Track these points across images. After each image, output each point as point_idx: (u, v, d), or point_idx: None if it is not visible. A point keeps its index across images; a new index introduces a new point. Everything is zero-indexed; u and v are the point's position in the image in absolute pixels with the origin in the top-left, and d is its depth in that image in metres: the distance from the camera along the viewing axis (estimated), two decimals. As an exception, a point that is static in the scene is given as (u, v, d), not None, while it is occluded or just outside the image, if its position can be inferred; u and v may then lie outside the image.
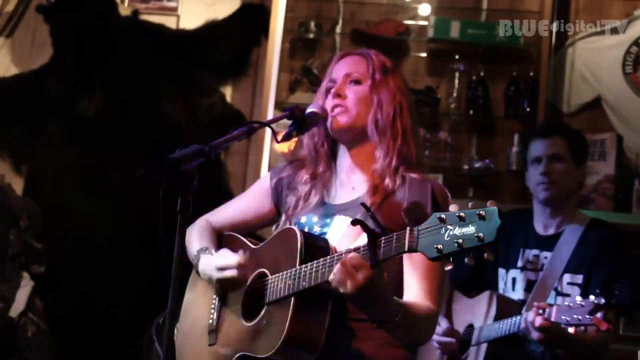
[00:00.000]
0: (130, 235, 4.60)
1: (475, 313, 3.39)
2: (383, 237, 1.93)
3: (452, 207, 1.79)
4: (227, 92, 5.00)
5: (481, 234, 1.73)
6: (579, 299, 2.92)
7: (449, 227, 1.78)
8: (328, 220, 2.02)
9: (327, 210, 2.33)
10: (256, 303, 2.27)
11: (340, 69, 2.43)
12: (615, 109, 4.70)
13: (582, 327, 2.87)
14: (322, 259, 2.08)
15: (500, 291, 3.45)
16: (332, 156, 2.45)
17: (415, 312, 2.13)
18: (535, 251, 3.40)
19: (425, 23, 4.84)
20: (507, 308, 3.26)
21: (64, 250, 4.59)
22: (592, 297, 2.86)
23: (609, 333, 3.05)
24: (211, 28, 4.93)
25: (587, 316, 2.85)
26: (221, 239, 2.56)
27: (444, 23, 4.74)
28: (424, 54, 4.90)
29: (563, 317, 2.91)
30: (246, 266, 2.32)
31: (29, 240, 4.24)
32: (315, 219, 2.35)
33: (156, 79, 4.89)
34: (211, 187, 4.51)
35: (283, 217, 2.44)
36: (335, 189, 2.41)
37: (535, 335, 3.00)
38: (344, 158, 2.42)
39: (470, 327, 3.41)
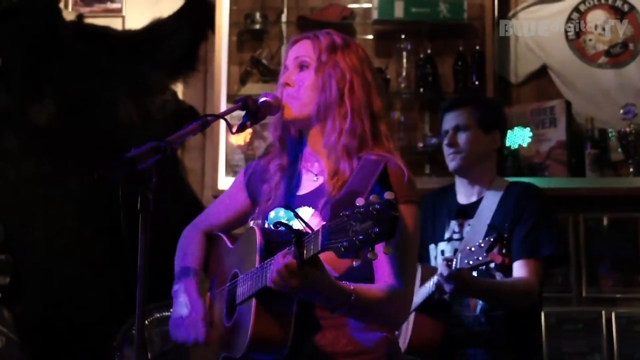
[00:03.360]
0: (94, 240, 4.60)
1: None
2: (305, 237, 1.91)
3: (387, 195, 1.76)
4: (179, 89, 4.98)
5: (377, 229, 1.72)
6: (480, 241, 2.97)
7: (352, 222, 1.76)
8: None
9: (292, 203, 2.30)
10: (234, 303, 2.26)
11: (290, 56, 2.40)
12: (562, 75, 4.78)
13: (483, 267, 2.96)
14: (267, 260, 2.07)
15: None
16: (300, 142, 2.42)
17: (373, 295, 2.11)
18: (459, 220, 3.46)
19: (369, 5, 4.87)
20: (427, 274, 3.26)
21: (28, 260, 4.56)
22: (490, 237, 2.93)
23: (526, 282, 3.18)
24: (157, 26, 4.91)
25: (484, 254, 2.90)
26: (210, 239, 2.56)
27: (387, 4, 4.77)
28: (370, 36, 4.92)
29: (466, 261, 2.97)
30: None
31: (-9, 253, 4.21)
32: (282, 212, 2.34)
33: (106, 82, 4.86)
34: (171, 185, 4.56)
35: (257, 210, 2.43)
36: (301, 178, 2.39)
37: (447, 287, 3.05)
38: (306, 146, 2.39)
39: None
